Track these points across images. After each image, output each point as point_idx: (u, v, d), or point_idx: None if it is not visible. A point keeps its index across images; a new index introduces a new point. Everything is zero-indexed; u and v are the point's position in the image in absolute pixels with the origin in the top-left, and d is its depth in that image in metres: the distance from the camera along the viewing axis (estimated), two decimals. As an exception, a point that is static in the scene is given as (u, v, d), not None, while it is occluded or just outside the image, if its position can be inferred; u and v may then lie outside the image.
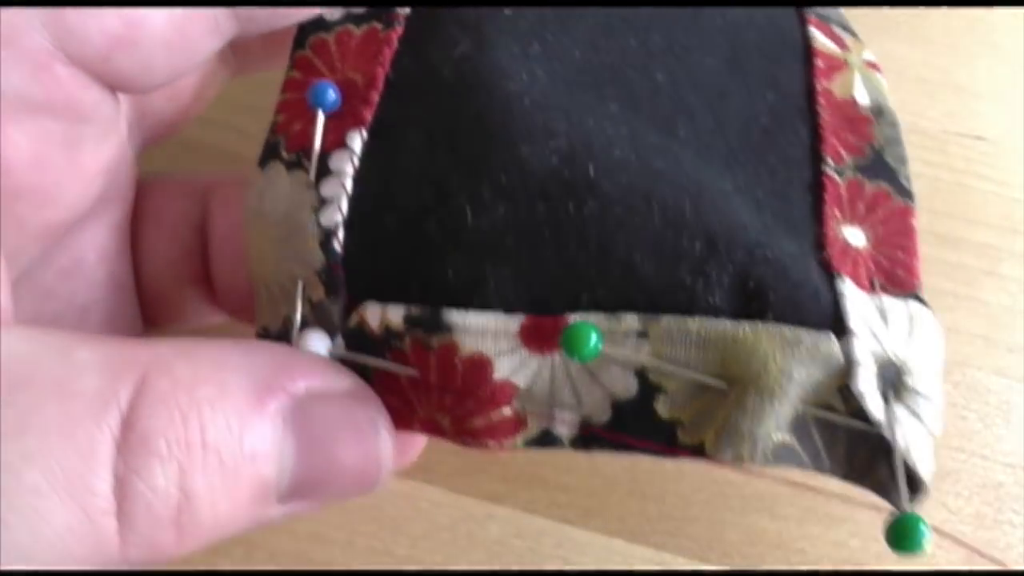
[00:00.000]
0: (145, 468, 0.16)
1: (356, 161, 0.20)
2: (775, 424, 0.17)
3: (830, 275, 0.18)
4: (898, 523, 0.16)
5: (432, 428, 0.19)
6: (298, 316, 0.19)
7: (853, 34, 0.26)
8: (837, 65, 0.23)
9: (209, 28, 0.20)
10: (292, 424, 0.18)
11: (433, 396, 0.19)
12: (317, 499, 0.19)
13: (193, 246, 0.24)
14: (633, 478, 0.27)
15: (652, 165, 0.18)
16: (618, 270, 0.17)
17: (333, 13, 0.22)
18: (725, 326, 0.17)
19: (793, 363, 0.17)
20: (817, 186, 0.20)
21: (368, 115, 0.21)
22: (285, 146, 0.21)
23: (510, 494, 0.27)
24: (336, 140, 0.20)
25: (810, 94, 0.22)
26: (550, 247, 0.18)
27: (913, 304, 0.19)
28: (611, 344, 0.17)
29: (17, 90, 0.18)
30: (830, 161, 0.21)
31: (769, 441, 0.17)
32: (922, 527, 0.16)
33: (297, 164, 0.21)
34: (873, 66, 0.24)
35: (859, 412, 0.17)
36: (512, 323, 0.18)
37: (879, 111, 0.23)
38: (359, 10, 0.22)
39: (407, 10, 0.22)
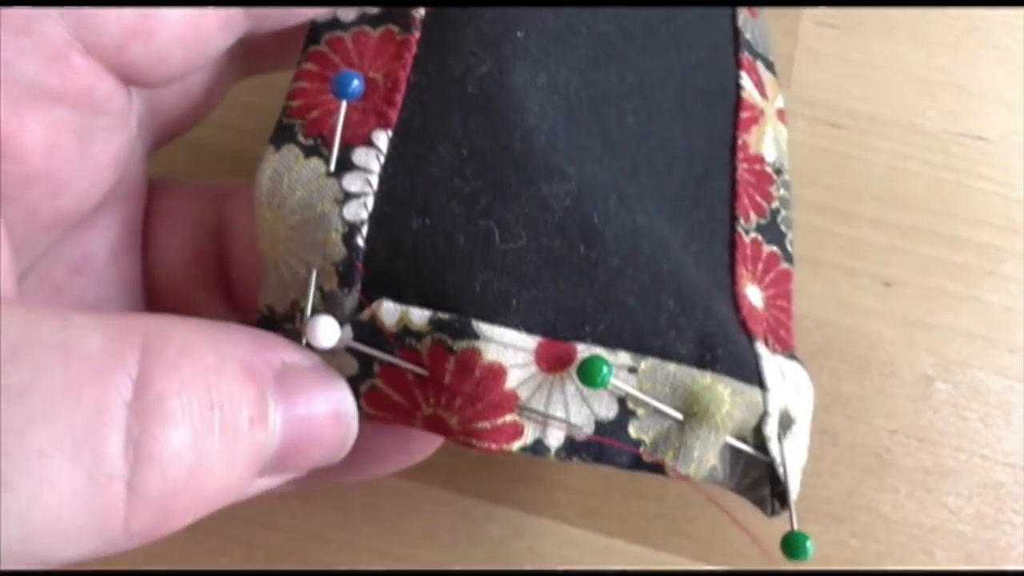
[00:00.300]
0: (161, 430, 0.16)
1: (382, 159, 0.20)
2: (714, 451, 0.20)
3: (750, 338, 0.21)
4: (791, 538, 0.21)
5: (436, 426, 0.20)
6: (310, 303, 0.20)
7: (772, 70, 0.27)
8: (755, 117, 0.25)
9: (221, 23, 0.20)
10: (277, 393, 0.18)
11: (443, 396, 0.20)
12: (290, 471, 0.19)
13: (206, 250, 0.24)
14: (633, 478, 0.27)
15: (636, 219, 0.21)
16: (616, 312, 0.20)
17: (348, 14, 0.22)
18: (693, 373, 0.20)
19: (736, 408, 0.20)
20: (731, 244, 0.23)
21: (393, 116, 0.21)
22: (303, 131, 0.21)
23: (510, 494, 0.27)
24: (360, 135, 0.21)
25: (732, 147, 0.25)
26: (563, 280, 0.20)
27: (796, 364, 0.22)
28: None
29: (33, 78, 0.18)
30: (741, 220, 0.24)
31: (707, 463, 0.20)
32: (808, 542, 0.21)
33: (315, 151, 0.21)
34: (782, 115, 0.27)
35: (761, 446, 0.21)
36: (531, 342, 0.20)
37: (779, 170, 0.26)
38: (373, 11, 0.22)
39: (421, 13, 0.22)
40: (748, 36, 0.27)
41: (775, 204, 0.25)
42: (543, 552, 0.26)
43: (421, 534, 0.26)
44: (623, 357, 0.20)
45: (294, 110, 0.22)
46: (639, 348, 0.20)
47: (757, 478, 0.21)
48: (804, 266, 0.31)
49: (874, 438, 0.28)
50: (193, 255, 0.24)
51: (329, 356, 0.20)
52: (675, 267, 0.21)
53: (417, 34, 0.22)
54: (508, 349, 0.19)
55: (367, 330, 0.20)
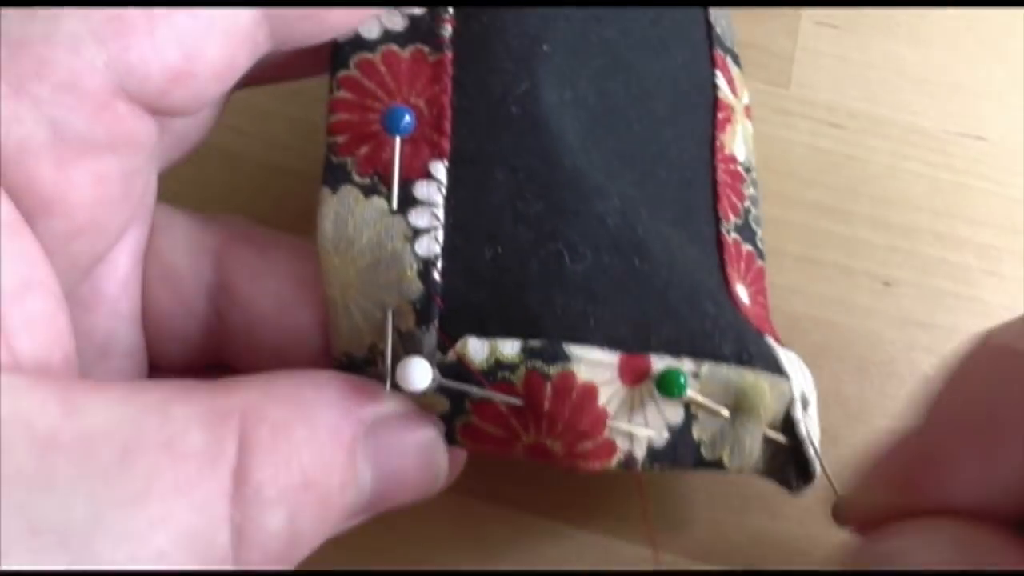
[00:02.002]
0: (260, 516, 0.17)
1: (444, 191, 0.20)
2: (759, 442, 0.22)
3: (759, 333, 0.22)
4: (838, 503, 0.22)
5: (538, 453, 0.21)
6: (389, 345, 0.20)
7: (738, 63, 0.28)
8: (728, 117, 0.26)
9: (250, 52, 0.20)
10: (366, 451, 0.19)
11: (543, 423, 0.20)
12: (380, 511, 0.21)
13: (196, 308, 0.23)
14: (633, 477, 0.27)
15: (662, 230, 0.22)
16: (674, 321, 0.21)
17: (370, 30, 0.22)
18: (741, 371, 0.21)
19: (773, 399, 0.21)
20: (719, 246, 0.24)
21: (446, 145, 0.21)
22: (356, 169, 0.21)
23: (510, 494, 0.27)
24: (417, 168, 0.21)
25: (712, 147, 0.25)
26: (628, 295, 0.20)
27: (792, 352, 0.23)
28: None
29: (80, 133, 0.18)
30: (723, 221, 0.24)
31: (755, 455, 0.22)
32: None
33: (374, 189, 0.21)
34: (748, 111, 0.27)
35: (789, 430, 0.22)
36: (613, 358, 0.20)
37: (748, 168, 0.26)
38: (397, 27, 0.22)
39: (449, 31, 0.22)
40: (719, 30, 0.27)
41: (747, 203, 0.25)
42: (543, 552, 0.26)
43: (421, 534, 0.26)
44: (687, 364, 0.21)
45: (341, 146, 0.21)
46: (696, 353, 0.21)
47: (783, 460, 0.22)
48: (804, 266, 0.31)
49: (874, 438, 0.28)
50: (182, 309, 0.22)
51: (419, 396, 0.20)
52: (700, 273, 0.22)
53: (450, 54, 0.21)
54: (597, 367, 0.20)
55: (454, 370, 0.20)
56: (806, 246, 0.31)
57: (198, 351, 0.23)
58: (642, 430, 0.21)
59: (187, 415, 0.17)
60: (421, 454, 0.20)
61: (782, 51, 0.34)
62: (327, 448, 0.18)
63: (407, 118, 0.20)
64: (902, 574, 0.14)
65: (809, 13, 0.35)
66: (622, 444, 0.21)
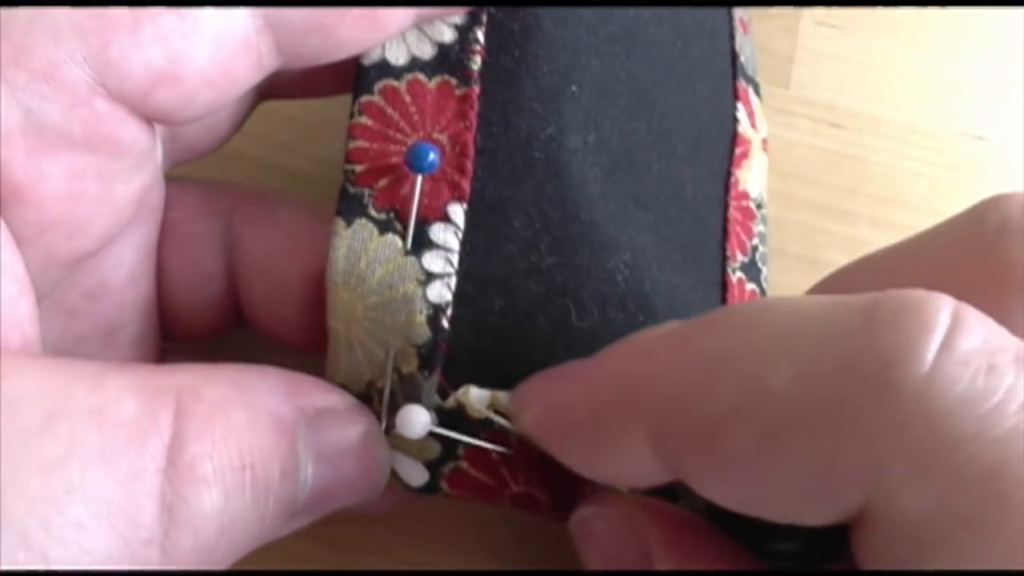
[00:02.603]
0: (194, 494, 0.17)
1: (460, 236, 0.20)
2: None
3: None
4: None
5: (526, 503, 0.21)
6: (388, 386, 0.20)
7: (758, 92, 0.27)
8: (745, 152, 0.25)
9: (252, 64, 0.19)
10: (307, 440, 0.19)
11: (534, 473, 0.20)
12: (322, 512, 0.20)
13: (214, 271, 0.23)
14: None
15: (670, 280, 0.21)
16: None
17: (398, 56, 0.21)
18: None
19: None
20: (723, 286, 0.23)
21: (467, 187, 0.20)
22: (373, 203, 0.20)
23: (510, 494, 0.27)
24: (435, 209, 0.20)
25: (726, 183, 0.24)
26: None
27: None
28: None
29: (55, 125, 0.18)
30: (730, 260, 0.24)
31: None
32: None
33: (390, 226, 0.20)
34: (765, 144, 0.26)
35: None
36: None
37: (760, 204, 0.26)
38: (425, 56, 0.21)
39: (479, 63, 0.21)
40: (743, 59, 0.26)
41: (755, 241, 0.25)
42: (544, 552, 0.26)
43: (421, 534, 0.26)
44: None
45: (359, 176, 0.21)
46: None
47: None
48: (804, 266, 0.31)
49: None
50: (202, 277, 0.23)
51: (410, 441, 0.20)
52: None
53: (477, 88, 0.21)
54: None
55: (452, 416, 0.20)
56: (806, 246, 0.31)
57: (221, 315, 0.24)
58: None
59: (120, 385, 0.17)
60: (364, 448, 0.20)
61: (782, 51, 0.34)
62: (267, 433, 0.18)
63: (432, 156, 0.20)
64: (925, 574, 0.14)
65: (809, 13, 0.35)
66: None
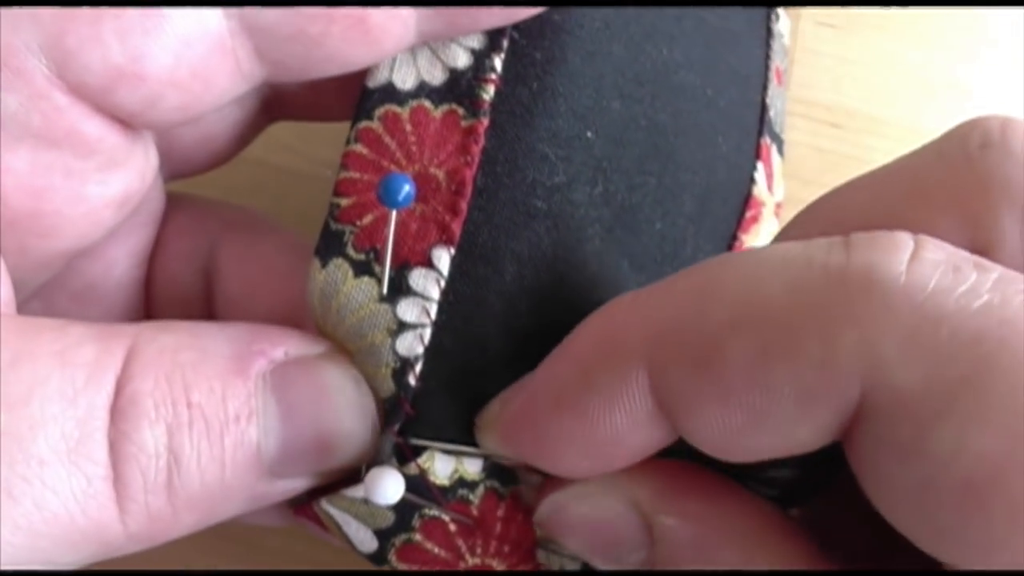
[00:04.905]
0: (135, 430, 0.17)
1: (442, 284, 0.18)
2: None
3: None
4: None
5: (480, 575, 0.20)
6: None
7: (781, 150, 0.26)
8: (756, 215, 0.24)
9: (229, 70, 0.18)
10: (273, 386, 0.18)
11: (491, 543, 0.19)
12: (309, 467, 0.19)
13: (192, 292, 0.23)
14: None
15: None
16: None
17: (405, 81, 0.19)
18: None
19: None
20: None
21: (457, 230, 0.18)
22: (353, 242, 0.19)
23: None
24: (419, 252, 0.18)
25: (730, 248, 0.24)
26: None
27: None
28: None
29: (14, 115, 0.17)
30: None
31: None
32: None
33: (367, 268, 0.19)
34: (779, 208, 0.26)
35: None
36: None
37: None
38: (436, 83, 0.19)
39: (491, 94, 0.19)
40: (772, 113, 0.25)
41: None
42: (543, 552, 0.26)
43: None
44: None
45: (343, 211, 0.19)
46: None
47: None
48: (804, 266, 0.31)
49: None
50: (183, 295, 0.23)
51: (360, 505, 0.19)
52: None
53: (486, 121, 0.19)
54: (534, 490, 0.19)
55: (413, 483, 0.19)
56: (806, 246, 0.31)
57: None
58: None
59: (83, 332, 0.17)
60: (343, 399, 0.19)
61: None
62: (218, 372, 0.18)
63: (407, 188, 0.18)
64: (924, 574, 0.15)
65: (809, 13, 0.35)
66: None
